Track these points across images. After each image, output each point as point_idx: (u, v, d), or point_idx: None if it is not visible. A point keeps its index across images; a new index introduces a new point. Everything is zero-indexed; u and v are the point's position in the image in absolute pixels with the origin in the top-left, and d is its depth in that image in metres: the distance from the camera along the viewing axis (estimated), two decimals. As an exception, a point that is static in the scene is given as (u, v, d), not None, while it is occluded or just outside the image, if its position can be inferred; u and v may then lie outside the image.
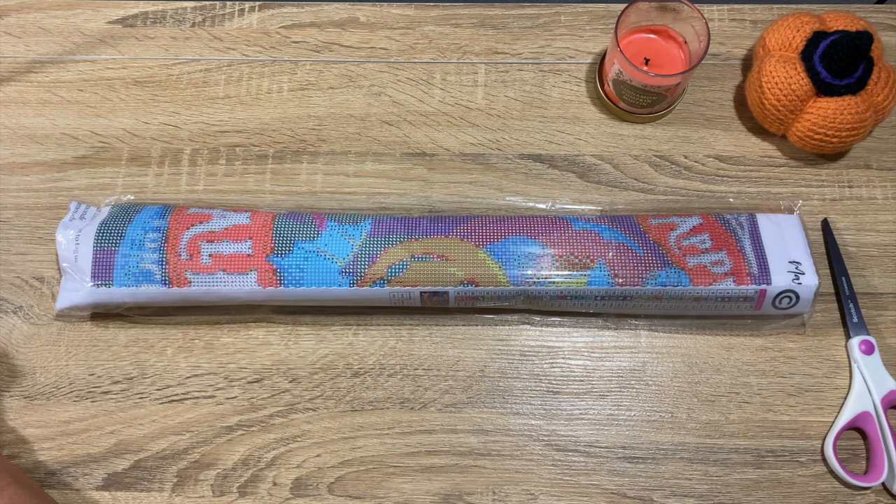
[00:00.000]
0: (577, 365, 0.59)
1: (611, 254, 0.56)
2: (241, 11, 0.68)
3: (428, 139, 0.64)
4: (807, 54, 0.58)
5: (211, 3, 0.68)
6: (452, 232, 0.56)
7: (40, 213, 0.62)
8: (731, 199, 0.62)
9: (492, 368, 0.59)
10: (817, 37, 0.58)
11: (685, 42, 0.62)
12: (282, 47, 0.67)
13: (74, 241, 0.56)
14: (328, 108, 0.65)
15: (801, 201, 0.61)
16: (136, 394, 0.58)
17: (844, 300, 0.59)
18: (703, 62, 0.61)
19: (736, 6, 0.68)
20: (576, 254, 0.56)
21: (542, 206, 0.62)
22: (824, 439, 0.57)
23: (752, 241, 0.57)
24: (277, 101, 0.65)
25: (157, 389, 0.58)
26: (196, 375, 0.58)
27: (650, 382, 0.58)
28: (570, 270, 0.55)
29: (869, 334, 0.58)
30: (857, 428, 0.57)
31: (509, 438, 0.57)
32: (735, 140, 0.64)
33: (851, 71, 0.57)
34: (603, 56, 0.65)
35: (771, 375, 0.58)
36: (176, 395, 0.58)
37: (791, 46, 0.59)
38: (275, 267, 0.55)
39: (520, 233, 0.56)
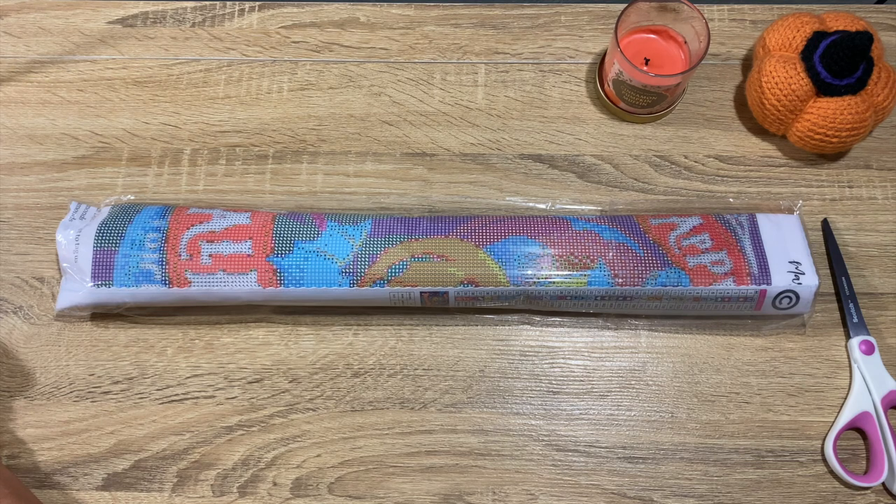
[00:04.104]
0: (577, 365, 0.59)
1: (611, 254, 0.56)
2: (241, 11, 0.68)
3: (428, 139, 0.64)
4: (807, 54, 0.58)
5: (211, 3, 0.68)
6: (452, 232, 0.56)
7: (40, 213, 0.62)
8: (731, 199, 0.62)
9: (492, 368, 0.59)
10: (817, 37, 0.58)
11: (685, 42, 0.62)
12: (282, 47, 0.67)
13: (74, 242, 0.56)
14: (328, 108, 0.65)
15: (801, 201, 0.61)
16: (136, 394, 0.58)
17: (844, 300, 0.59)
18: (703, 62, 0.61)
19: (736, 6, 0.68)
20: (576, 254, 0.56)
21: (542, 206, 0.62)
22: (824, 439, 0.57)
23: (752, 241, 0.57)
24: (277, 101, 0.65)
25: (157, 389, 0.58)
26: (196, 375, 0.58)
27: (650, 382, 0.58)
28: (570, 270, 0.55)
29: (869, 334, 0.58)
30: (857, 428, 0.57)
31: (509, 438, 0.57)
32: (735, 140, 0.64)
33: (851, 71, 0.57)
34: (603, 56, 0.65)
35: (771, 375, 0.58)
36: (176, 395, 0.58)
37: (791, 46, 0.59)
38: (275, 267, 0.55)
39: (520, 233, 0.56)
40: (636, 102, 0.62)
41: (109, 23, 0.68)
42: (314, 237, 0.56)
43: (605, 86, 0.63)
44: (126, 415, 0.58)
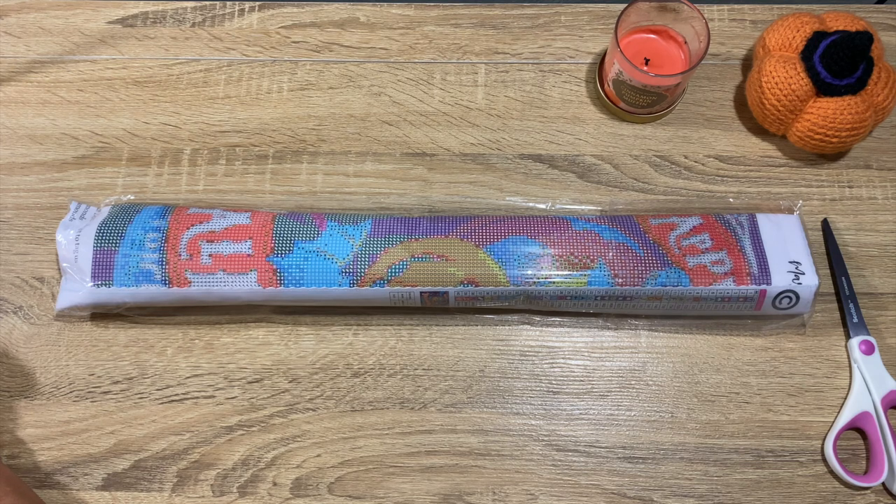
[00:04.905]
0: (577, 365, 0.59)
1: (611, 254, 0.56)
2: (241, 11, 0.68)
3: (428, 139, 0.64)
4: (807, 54, 0.58)
5: (211, 3, 0.68)
6: (452, 232, 0.56)
7: (40, 213, 0.62)
8: (731, 199, 0.62)
9: (492, 368, 0.59)
10: (817, 37, 0.58)
11: (685, 42, 0.62)
12: (282, 47, 0.67)
13: (74, 241, 0.56)
14: (328, 108, 0.65)
15: (801, 201, 0.61)
16: (136, 394, 0.58)
17: (844, 300, 0.59)
18: (703, 62, 0.61)
19: (736, 6, 0.68)
20: (576, 254, 0.56)
21: (542, 206, 0.62)
22: (824, 439, 0.57)
23: (752, 241, 0.57)
24: (277, 101, 0.65)
25: (157, 389, 0.58)
26: (196, 375, 0.58)
27: (650, 382, 0.58)
28: (570, 270, 0.55)
29: (869, 334, 0.58)
30: (857, 428, 0.57)
31: (509, 438, 0.57)
32: (735, 140, 0.64)
33: (851, 71, 0.57)
34: (603, 56, 0.65)
35: (771, 375, 0.58)
36: (176, 395, 0.58)
37: (791, 46, 0.59)
38: (275, 267, 0.55)
39: (520, 233, 0.56)
40: (636, 102, 0.62)
41: (109, 23, 0.68)
42: (314, 237, 0.56)
43: (605, 86, 0.63)
44: (126, 415, 0.58)
